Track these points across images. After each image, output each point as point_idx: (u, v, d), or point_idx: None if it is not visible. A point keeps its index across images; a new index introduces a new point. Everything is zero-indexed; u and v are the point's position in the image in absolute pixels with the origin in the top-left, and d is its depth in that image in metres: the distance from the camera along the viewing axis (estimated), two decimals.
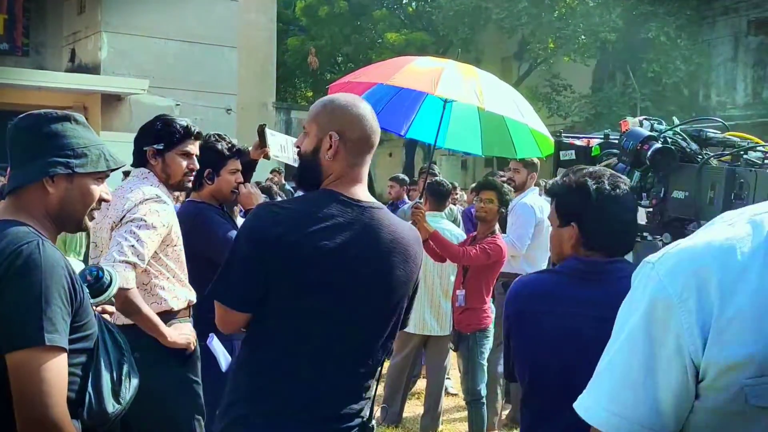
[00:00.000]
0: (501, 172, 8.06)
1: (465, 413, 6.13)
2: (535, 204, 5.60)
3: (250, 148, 4.00)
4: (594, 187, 2.11)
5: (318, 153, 2.15)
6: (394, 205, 7.93)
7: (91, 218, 2.14)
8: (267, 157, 3.92)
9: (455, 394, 6.69)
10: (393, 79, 4.60)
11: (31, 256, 1.80)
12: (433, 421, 5.70)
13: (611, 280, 2.08)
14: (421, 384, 6.52)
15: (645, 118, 2.51)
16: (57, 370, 1.77)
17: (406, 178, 8.20)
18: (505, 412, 5.86)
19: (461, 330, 4.93)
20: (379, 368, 2.24)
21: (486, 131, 5.20)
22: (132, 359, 2.10)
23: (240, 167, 3.84)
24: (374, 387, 2.23)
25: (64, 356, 1.80)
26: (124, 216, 3.01)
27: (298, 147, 2.24)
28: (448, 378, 6.75)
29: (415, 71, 4.64)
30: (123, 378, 2.04)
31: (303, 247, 2.02)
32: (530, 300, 2.21)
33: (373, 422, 2.22)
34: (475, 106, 4.71)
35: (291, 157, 3.93)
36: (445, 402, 6.19)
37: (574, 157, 2.69)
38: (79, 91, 20.31)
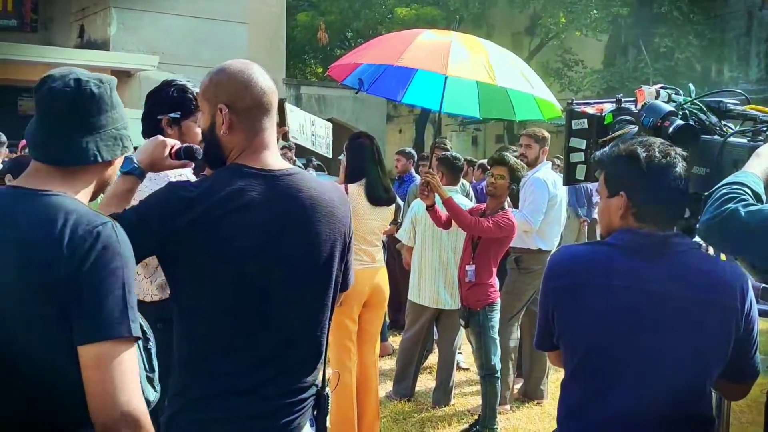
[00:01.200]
0: (513, 147, 8.02)
1: (477, 387, 6.16)
2: (548, 178, 5.57)
3: None
4: (644, 155, 2.03)
5: (214, 129, 2.06)
6: (401, 179, 7.89)
7: None
8: (285, 137, 3.71)
9: (467, 369, 6.71)
10: (402, 60, 4.57)
11: (112, 239, 1.68)
12: (445, 395, 5.73)
13: (672, 255, 2.01)
14: (432, 359, 6.55)
15: (662, 87, 2.44)
16: (134, 361, 1.68)
17: (413, 152, 8.14)
18: (517, 386, 5.88)
19: (470, 306, 4.92)
20: (326, 335, 2.17)
21: (484, 94, 5.19)
22: (155, 344, 2.04)
23: None
24: (324, 354, 2.17)
25: (135, 346, 1.71)
26: None
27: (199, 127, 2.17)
28: (460, 353, 6.77)
29: (422, 49, 4.60)
30: (154, 365, 1.99)
31: (218, 228, 1.93)
32: (582, 273, 2.08)
33: (327, 390, 2.18)
34: None
35: (310, 140, 3.77)
36: (457, 376, 6.21)
37: (586, 126, 2.62)
38: (88, 67, 19.89)
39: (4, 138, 6.34)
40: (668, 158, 2.04)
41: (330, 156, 3.85)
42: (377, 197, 4.50)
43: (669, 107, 2.31)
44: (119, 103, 1.91)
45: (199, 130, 3.08)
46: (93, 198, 1.90)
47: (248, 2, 21.86)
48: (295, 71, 30.34)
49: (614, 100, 2.70)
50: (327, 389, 2.19)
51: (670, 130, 2.22)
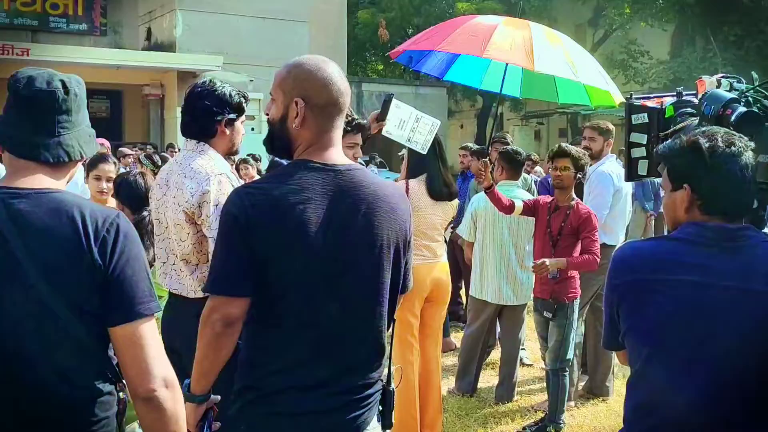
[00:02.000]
0: (579, 138, 7.91)
1: (541, 384, 6.11)
2: (612, 171, 5.46)
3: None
4: (707, 145, 1.97)
5: (285, 121, 2.10)
6: (464, 175, 7.85)
7: None
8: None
9: (530, 365, 6.65)
10: (488, 53, 4.52)
11: (128, 228, 1.87)
12: (508, 391, 5.68)
13: (742, 248, 1.95)
14: (495, 354, 6.51)
15: (723, 76, 2.37)
16: (158, 334, 1.90)
17: (475, 146, 8.10)
18: (581, 384, 5.80)
19: (560, 299, 4.85)
20: (390, 330, 2.22)
21: (528, 73, 5.12)
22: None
23: (360, 141, 3.72)
24: (388, 349, 2.20)
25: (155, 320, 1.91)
26: (205, 193, 2.92)
27: (267, 114, 2.18)
28: (523, 348, 6.71)
29: (507, 41, 4.54)
30: None
31: (284, 224, 1.97)
32: (647, 269, 2.03)
33: (393, 386, 2.21)
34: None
35: (406, 136, 3.73)
36: (521, 373, 6.16)
37: (647, 120, 2.56)
38: (155, 69, 20.73)
39: None
40: (733, 147, 1.97)
41: (424, 152, 3.88)
42: (438, 192, 4.49)
43: (730, 95, 2.25)
44: (84, 104, 2.00)
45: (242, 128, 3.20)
46: None
47: (310, 1, 22.06)
48: (357, 68, 30.50)
49: (674, 93, 2.64)
50: (392, 385, 2.21)
51: (733, 117, 2.17)
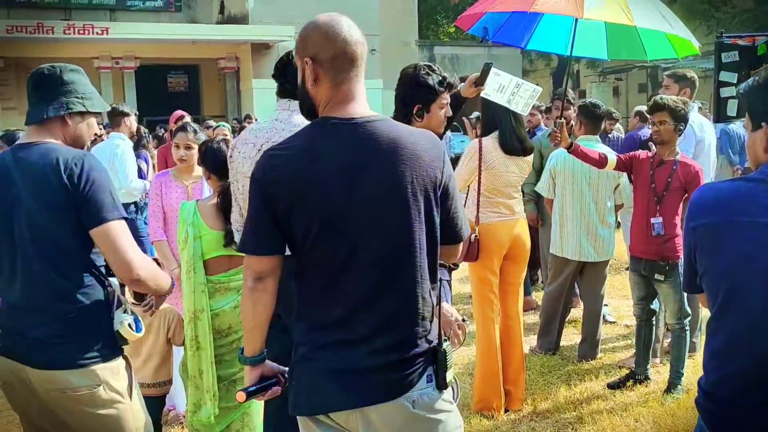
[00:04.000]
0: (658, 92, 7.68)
1: (625, 342, 6.04)
2: (694, 122, 5.27)
3: (461, 84, 3.72)
4: None
5: (304, 84, 2.13)
6: (532, 133, 7.70)
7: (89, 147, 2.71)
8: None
9: (614, 322, 6.56)
10: (536, 5, 4.45)
11: (93, 161, 2.56)
12: (591, 349, 5.63)
13: None
14: (577, 313, 6.44)
15: None
16: (128, 232, 2.56)
17: (543, 105, 7.96)
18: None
19: (671, 258, 4.73)
20: (438, 288, 2.17)
21: (612, 34, 4.97)
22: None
23: (448, 100, 3.57)
24: (434, 309, 2.15)
25: (125, 223, 2.57)
26: None
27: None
28: (606, 305, 6.62)
29: None
30: None
31: (301, 181, 2.02)
32: (723, 210, 1.96)
33: (446, 345, 2.13)
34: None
35: (506, 99, 3.72)
36: (604, 330, 6.09)
37: (737, 58, 2.48)
38: (229, 42, 21.06)
39: (128, 108, 6.98)
40: None
41: (525, 114, 3.88)
42: (511, 147, 4.44)
43: None
44: (72, 80, 2.67)
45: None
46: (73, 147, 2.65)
47: None
48: (428, 32, 30.24)
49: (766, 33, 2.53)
50: (446, 345, 2.14)
51: None
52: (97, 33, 18.62)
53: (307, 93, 2.14)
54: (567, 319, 6.37)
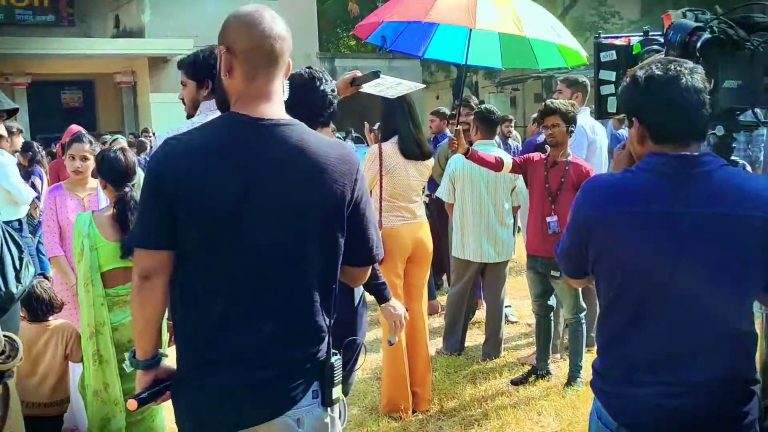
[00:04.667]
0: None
1: (527, 340, 6.21)
2: (586, 124, 5.50)
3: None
4: (642, 75, 2.00)
5: (220, 74, 2.03)
6: (435, 140, 7.87)
7: None
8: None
9: (516, 322, 6.74)
10: (430, 16, 4.59)
11: None
12: (495, 348, 5.77)
13: (704, 174, 1.97)
14: (481, 314, 6.58)
15: (688, 10, 2.41)
16: None
17: (447, 111, 8.14)
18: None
19: None
20: (331, 305, 2.04)
21: (506, 44, 5.19)
22: (29, 256, 2.66)
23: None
24: (326, 325, 2.03)
25: None
26: None
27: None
28: (508, 306, 6.80)
29: (449, 4, 4.62)
30: (22, 267, 2.59)
31: (191, 178, 1.90)
32: (616, 200, 2.03)
33: (334, 360, 2.02)
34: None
35: (378, 90, 3.70)
36: (507, 329, 6.25)
37: (615, 57, 2.60)
38: (126, 56, 20.58)
39: (14, 126, 6.79)
40: (669, 72, 1.98)
41: (393, 97, 3.91)
42: (410, 151, 4.52)
43: (696, 23, 2.28)
44: None
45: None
46: None
47: None
48: (329, 45, 30.35)
49: (642, 33, 2.67)
50: (335, 358, 2.03)
51: (698, 44, 2.20)
52: None
53: (221, 84, 2.05)
54: (472, 321, 6.51)
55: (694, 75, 1.98)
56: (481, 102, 8.53)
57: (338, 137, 12.45)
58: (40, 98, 21.04)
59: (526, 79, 26.40)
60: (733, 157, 2.36)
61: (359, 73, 3.43)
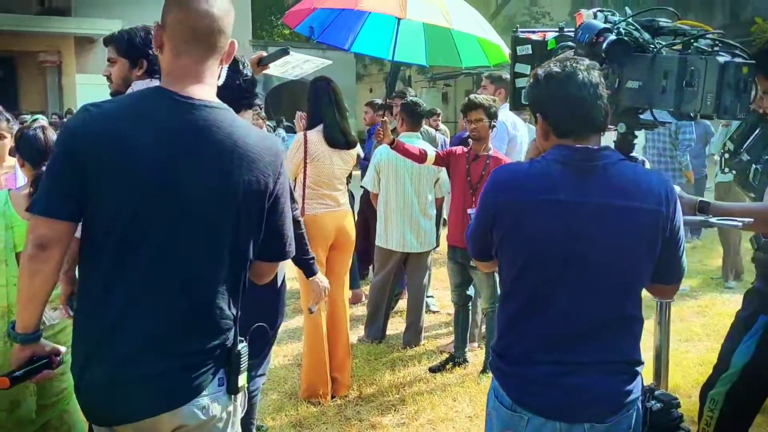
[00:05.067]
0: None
1: (447, 329, 6.34)
2: (507, 120, 5.64)
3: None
4: (542, 73, 2.13)
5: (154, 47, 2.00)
6: (369, 131, 7.95)
7: None
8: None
9: (437, 312, 6.86)
10: (361, 4, 4.65)
11: None
12: (415, 335, 5.88)
13: (603, 167, 2.08)
14: (403, 304, 6.69)
15: (599, 10, 2.54)
16: None
17: (379, 102, 8.22)
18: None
19: None
20: (239, 295, 2.02)
21: (431, 41, 5.32)
22: None
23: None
24: (233, 314, 2.01)
25: None
26: None
27: None
28: (430, 296, 6.93)
29: None
30: None
31: (111, 150, 1.83)
32: (520, 187, 2.14)
33: (240, 347, 2.00)
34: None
35: (282, 70, 3.69)
36: (428, 319, 6.37)
37: (530, 51, 2.71)
38: (51, 34, 19.97)
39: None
40: (565, 69, 2.10)
41: (291, 78, 3.92)
42: (335, 139, 4.58)
43: (604, 25, 2.41)
44: None
45: None
46: None
47: None
48: (262, 33, 30.07)
49: (557, 29, 2.78)
50: (241, 345, 2.01)
51: (604, 45, 2.33)
52: None
53: (157, 59, 2.02)
54: (394, 310, 6.62)
55: (591, 71, 2.11)
56: (406, 89, 8.64)
57: (269, 126, 12.34)
58: None
59: (457, 75, 26.70)
60: (633, 154, 2.50)
61: (264, 54, 3.46)
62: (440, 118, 10.35)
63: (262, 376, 3.67)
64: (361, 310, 6.74)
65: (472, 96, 5.18)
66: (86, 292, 1.95)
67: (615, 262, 2.09)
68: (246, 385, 2.06)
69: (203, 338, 1.95)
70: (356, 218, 7.54)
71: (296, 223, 3.47)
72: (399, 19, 4.78)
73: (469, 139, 5.23)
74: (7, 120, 4.55)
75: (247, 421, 3.51)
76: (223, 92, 3.17)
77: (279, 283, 3.51)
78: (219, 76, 2.03)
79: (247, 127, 2.00)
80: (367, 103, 8.16)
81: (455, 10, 4.83)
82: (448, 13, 4.77)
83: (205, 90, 1.95)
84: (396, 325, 6.34)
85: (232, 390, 2.00)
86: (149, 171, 1.85)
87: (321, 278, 3.71)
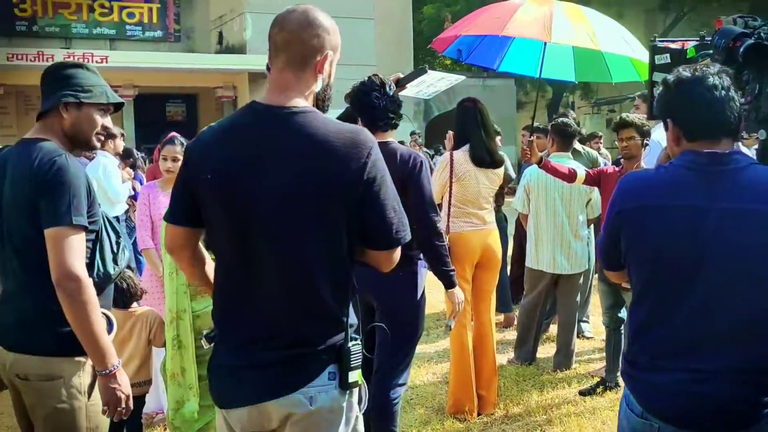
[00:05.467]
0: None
1: (600, 354, 6.17)
2: (660, 138, 5.48)
3: None
4: (672, 78, 2.13)
5: None
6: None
7: (98, 141, 2.77)
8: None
9: (591, 338, 6.71)
10: (506, 30, 4.73)
11: (66, 162, 2.51)
12: (566, 358, 5.79)
13: (733, 171, 2.06)
14: (556, 328, 6.60)
15: (739, 16, 2.48)
16: (79, 243, 2.47)
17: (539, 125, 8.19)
18: None
19: None
20: (344, 289, 2.08)
21: (579, 58, 5.27)
22: (127, 240, 2.87)
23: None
24: (339, 307, 2.06)
25: (83, 233, 2.49)
26: None
27: None
28: (586, 321, 6.79)
29: (525, 19, 4.75)
30: (119, 251, 2.77)
31: (206, 160, 2.02)
32: (647, 194, 2.14)
33: (351, 345, 2.06)
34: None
35: (416, 91, 3.85)
36: (581, 344, 6.26)
37: (669, 60, 2.68)
38: (227, 71, 21.33)
39: (116, 131, 7.10)
40: (696, 73, 2.09)
41: (424, 98, 4.05)
42: (480, 159, 4.65)
43: (741, 30, 2.35)
44: (71, 74, 2.66)
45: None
46: (75, 141, 2.70)
47: None
48: (424, 64, 30.63)
49: (698, 38, 2.74)
50: (353, 343, 2.07)
51: (741, 49, 2.28)
52: (96, 61, 18.92)
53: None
54: (547, 335, 6.55)
55: (722, 75, 2.08)
56: (567, 111, 8.55)
57: (427, 152, 12.61)
58: (146, 110, 22.05)
59: (623, 100, 25.95)
60: None
61: (402, 75, 3.62)
62: (602, 142, 10.10)
63: (404, 385, 3.77)
64: (513, 333, 6.71)
65: (624, 114, 5.10)
66: (216, 285, 2.16)
67: (746, 267, 2.03)
68: (359, 382, 2.10)
69: (310, 332, 2.03)
70: (511, 242, 7.54)
71: (436, 233, 3.60)
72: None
73: (621, 158, 5.14)
74: (181, 144, 4.99)
75: (388, 428, 3.63)
76: (369, 112, 3.39)
77: (418, 295, 3.62)
78: (314, 85, 2.12)
79: (328, 124, 2.04)
80: (524, 127, 8.17)
81: (602, 31, 4.81)
82: (595, 34, 4.75)
83: (289, 96, 2.05)
84: (548, 349, 6.26)
85: (344, 385, 2.06)
86: (235, 174, 1.99)
87: (458, 292, 3.79)
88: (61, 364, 2.56)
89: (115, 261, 2.75)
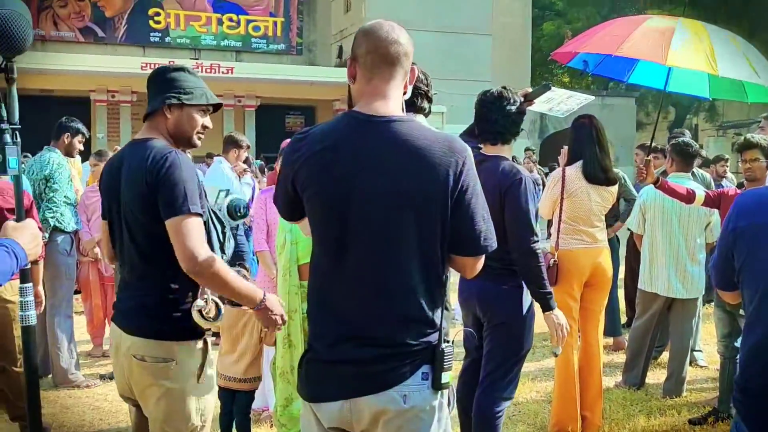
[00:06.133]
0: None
1: (714, 384, 5.94)
2: None
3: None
4: None
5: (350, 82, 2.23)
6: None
7: (199, 139, 2.92)
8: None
9: (705, 367, 6.46)
10: (621, 50, 4.61)
11: (177, 158, 2.68)
12: (676, 385, 5.59)
13: None
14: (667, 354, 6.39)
15: None
16: (197, 226, 2.63)
17: (655, 145, 7.97)
18: None
19: None
20: (436, 293, 2.12)
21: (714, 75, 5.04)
22: (230, 231, 3.01)
23: None
24: (432, 309, 2.10)
25: (200, 219, 2.66)
26: None
27: None
28: (699, 350, 6.55)
29: (643, 38, 4.60)
30: (225, 240, 2.94)
31: (307, 166, 2.09)
32: (762, 211, 2.10)
33: (445, 347, 2.09)
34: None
35: (548, 107, 3.88)
36: (694, 372, 6.04)
37: None
38: (345, 84, 21.75)
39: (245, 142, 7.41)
40: None
41: (562, 116, 4.05)
42: (594, 176, 4.58)
43: None
44: (174, 77, 2.85)
45: None
46: (177, 140, 2.87)
47: (493, 15, 22.32)
48: (542, 81, 30.30)
49: None
50: (445, 345, 2.11)
51: None
52: (222, 72, 19.75)
53: (349, 91, 2.27)
54: (657, 361, 6.35)
55: None
56: (684, 130, 8.30)
57: (540, 170, 12.54)
58: (267, 120, 22.81)
59: (750, 124, 24.86)
60: None
61: (530, 89, 3.61)
62: (728, 166, 9.73)
63: (509, 400, 3.76)
64: (621, 356, 6.54)
65: (748, 135, 4.92)
66: (312, 282, 2.21)
67: None
68: (451, 383, 2.14)
69: (402, 333, 2.07)
70: (623, 264, 7.36)
71: (531, 253, 3.53)
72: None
73: (744, 180, 4.96)
74: None
75: None
76: (482, 125, 3.43)
77: (524, 310, 3.61)
78: (404, 93, 2.22)
79: (425, 132, 2.11)
80: (638, 146, 7.98)
81: (723, 53, 4.59)
82: (715, 56, 4.54)
83: (390, 106, 2.13)
84: (658, 375, 6.08)
85: (437, 386, 2.09)
86: (336, 181, 2.07)
87: (558, 315, 3.62)
88: (174, 347, 2.75)
89: (222, 250, 2.91)
